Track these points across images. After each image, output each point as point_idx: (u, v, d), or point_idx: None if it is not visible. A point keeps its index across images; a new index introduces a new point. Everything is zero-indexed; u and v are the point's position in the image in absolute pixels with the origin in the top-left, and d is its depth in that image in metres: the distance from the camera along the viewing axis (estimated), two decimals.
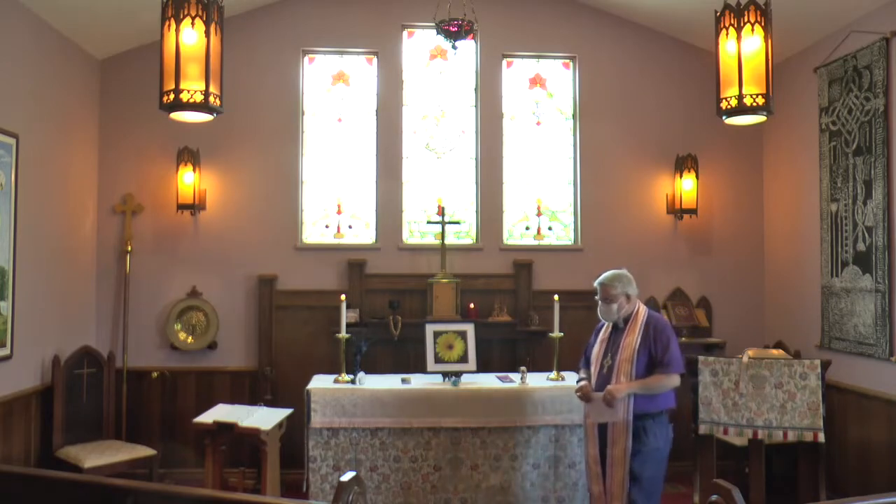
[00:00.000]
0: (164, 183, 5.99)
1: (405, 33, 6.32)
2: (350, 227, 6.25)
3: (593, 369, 4.23)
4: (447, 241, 5.99)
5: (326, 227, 6.25)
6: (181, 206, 5.89)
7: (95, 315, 5.93)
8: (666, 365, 4.00)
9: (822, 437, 4.45)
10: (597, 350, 4.24)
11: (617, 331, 4.18)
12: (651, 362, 4.03)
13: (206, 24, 3.44)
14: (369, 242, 6.22)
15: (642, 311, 4.15)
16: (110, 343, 5.90)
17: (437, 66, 6.39)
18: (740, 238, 6.40)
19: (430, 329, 5.16)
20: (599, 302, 4.18)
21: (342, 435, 4.74)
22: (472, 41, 6.23)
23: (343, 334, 5.10)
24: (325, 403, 4.74)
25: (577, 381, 4.31)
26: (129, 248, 5.91)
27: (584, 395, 4.14)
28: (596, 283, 4.20)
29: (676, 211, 6.25)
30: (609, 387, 4.01)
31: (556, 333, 5.11)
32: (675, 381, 4.04)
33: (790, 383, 4.50)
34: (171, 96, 3.42)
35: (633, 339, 4.06)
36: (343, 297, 5.21)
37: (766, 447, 4.74)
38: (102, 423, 5.45)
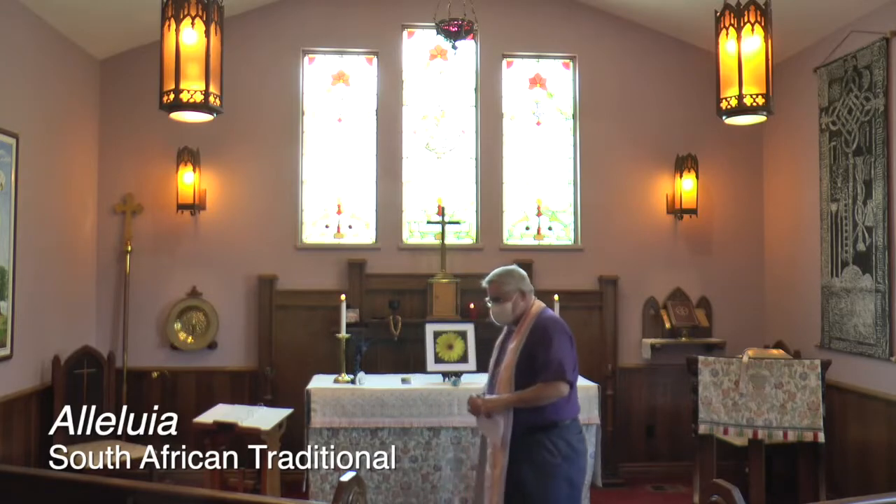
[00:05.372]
0: (164, 183, 5.99)
1: (405, 33, 6.32)
2: (350, 227, 6.25)
3: (487, 378, 3.73)
4: (447, 241, 5.99)
5: (326, 227, 6.24)
6: (181, 206, 5.88)
7: (95, 315, 5.93)
8: (544, 372, 3.39)
9: (822, 437, 4.45)
10: (493, 357, 3.69)
11: (509, 334, 3.61)
12: (536, 369, 3.43)
13: (206, 24, 3.45)
14: (369, 242, 6.21)
15: (535, 311, 3.56)
16: (110, 343, 5.90)
17: (437, 66, 6.39)
18: (740, 238, 6.40)
19: (430, 329, 5.17)
20: (491, 304, 3.62)
21: (342, 435, 4.74)
22: (472, 41, 6.22)
23: (343, 334, 5.10)
24: (325, 403, 4.74)
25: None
26: (129, 248, 5.91)
27: (472, 407, 3.58)
28: (484, 283, 3.65)
29: (676, 211, 6.25)
30: (481, 399, 3.55)
31: None
32: (557, 390, 3.40)
33: (790, 383, 4.51)
34: (171, 96, 3.43)
35: (517, 343, 3.50)
36: (343, 297, 5.21)
37: (766, 447, 4.74)
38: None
